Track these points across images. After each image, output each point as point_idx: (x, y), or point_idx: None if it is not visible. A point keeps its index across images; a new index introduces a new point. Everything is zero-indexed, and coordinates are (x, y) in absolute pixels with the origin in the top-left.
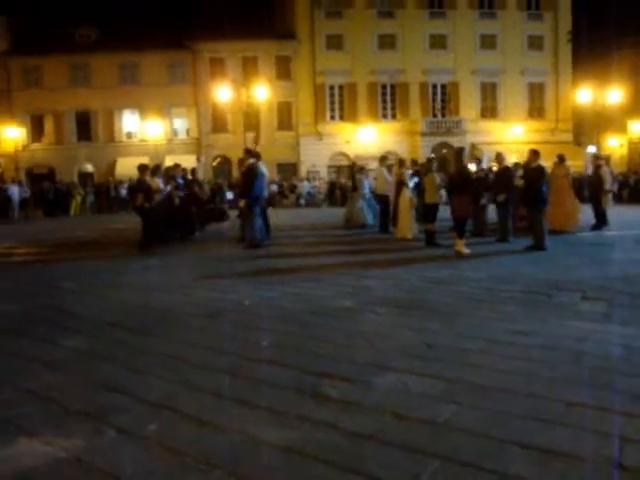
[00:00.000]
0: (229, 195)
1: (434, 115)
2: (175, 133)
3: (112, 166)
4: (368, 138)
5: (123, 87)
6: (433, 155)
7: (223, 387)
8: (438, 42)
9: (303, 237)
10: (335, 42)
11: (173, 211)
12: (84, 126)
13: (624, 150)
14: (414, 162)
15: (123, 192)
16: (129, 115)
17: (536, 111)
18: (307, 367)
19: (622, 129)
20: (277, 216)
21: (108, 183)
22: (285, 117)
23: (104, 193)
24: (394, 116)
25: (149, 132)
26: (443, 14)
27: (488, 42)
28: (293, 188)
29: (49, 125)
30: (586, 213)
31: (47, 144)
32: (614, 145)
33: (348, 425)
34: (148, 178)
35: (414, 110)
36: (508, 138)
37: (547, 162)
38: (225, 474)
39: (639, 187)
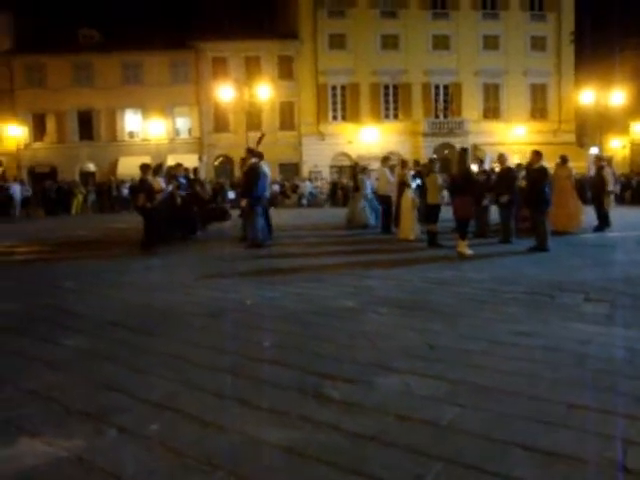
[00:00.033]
0: (231, 195)
1: (436, 116)
2: (177, 132)
3: (114, 165)
4: (370, 138)
5: (126, 87)
6: (435, 156)
7: (225, 387)
8: (441, 43)
9: (305, 237)
10: (338, 42)
11: (175, 210)
12: (86, 125)
13: (626, 151)
14: (416, 163)
15: (125, 191)
16: (131, 114)
17: (538, 112)
18: (309, 367)
19: (625, 130)
20: (279, 216)
21: (110, 182)
22: (287, 117)
23: (106, 192)
24: (396, 116)
25: (151, 131)
26: (446, 15)
27: (491, 43)
28: (295, 188)
29: (51, 124)
30: (588, 214)
31: (49, 143)
32: (616, 146)
33: (350, 426)
34: (150, 178)
35: (416, 111)
36: (510, 139)
37: (549, 163)
38: (226, 474)
39: None
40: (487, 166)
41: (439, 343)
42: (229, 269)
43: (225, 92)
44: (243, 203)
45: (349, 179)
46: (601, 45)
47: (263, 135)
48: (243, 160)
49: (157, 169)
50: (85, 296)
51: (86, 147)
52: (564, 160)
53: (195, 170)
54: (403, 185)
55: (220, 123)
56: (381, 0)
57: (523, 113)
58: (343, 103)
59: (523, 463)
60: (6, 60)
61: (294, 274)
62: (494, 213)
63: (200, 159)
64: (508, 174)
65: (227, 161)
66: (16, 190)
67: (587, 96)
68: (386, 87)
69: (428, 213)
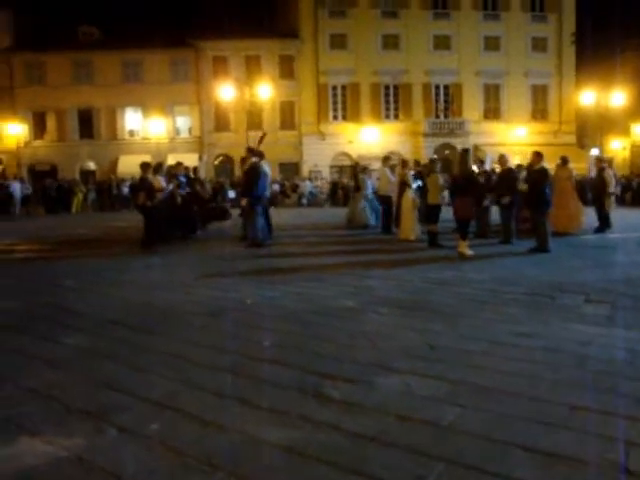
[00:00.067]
0: (231, 194)
1: (437, 116)
2: (177, 131)
3: (114, 164)
4: (370, 138)
5: (126, 85)
6: (435, 156)
7: (225, 386)
8: (442, 43)
9: (305, 237)
10: (339, 42)
11: (175, 209)
12: (86, 124)
13: (627, 153)
14: (417, 163)
15: (125, 190)
16: (132, 113)
17: (539, 113)
18: (309, 367)
19: (625, 132)
20: (279, 215)
21: (110, 181)
22: (288, 116)
23: (106, 191)
24: (397, 117)
25: (151, 130)
26: (447, 15)
27: (492, 43)
28: (295, 188)
29: (51, 122)
30: (589, 215)
31: (49, 141)
32: (617, 148)
33: (351, 426)
34: (150, 176)
35: (417, 111)
36: (511, 140)
37: (550, 164)
38: (227, 474)
39: None
40: (488, 167)
41: (440, 343)
42: (229, 268)
43: (225, 91)
44: (243, 202)
45: (349, 179)
46: (602, 46)
47: (264, 134)
48: (243, 159)
49: (157, 168)
50: (85, 294)
51: (86, 145)
52: (565, 161)
53: (195, 169)
54: (404, 185)
55: (220, 122)
56: (382, 0)
57: (524, 114)
58: (344, 103)
59: (524, 464)
60: (6, 58)
61: (294, 274)
62: (494, 214)
63: (200, 158)
64: (509, 175)
65: (227, 160)
66: (16, 188)
67: (588, 97)
68: (387, 87)
69: (429, 213)
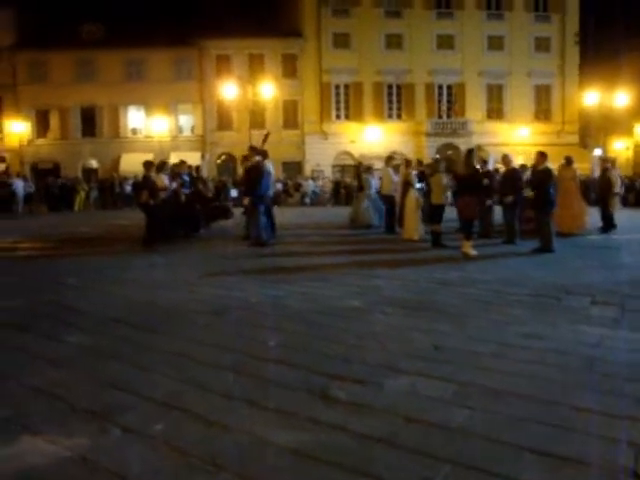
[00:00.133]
0: (233, 193)
1: (440, 116)
2: (180, 130)
3: (117, 162)
4: (373, 138)
5: (129, 83)
6: (438, 156)
7: (229, 386)
8: (445, 43)
9: (308, 236)
10: (342, 41)
11: (178, 208)
12: (89, 122)
13: (630, 153)
14: (419, 162)
15: (127, 188)
16: (134, 111)
17: (542, 113)
18: (315, 367)
19: (628, 132)
20: (282, 215)
21: (112, 179)
22: (291, 115)
23: (108, 189)
24: (399, 116)
25: (154, 128)
26: (450, 14)
27: (495, 43)
28: (298, 187)
29: (54, 120)
30: (593, 216)
31: (52, 139)
32: (620, 148)
33: (358, 427)
34: (153, 174)
35: (420, 111)
36: (514, 140)
37: (553, 164)
38: (232, 475)
39: None
40: (490, 167)
41: (447, 345)
42: (233, 267)
43: (228, 90)
44: (246, 201)
45: (352, 178)
46: (605, 46)
47: (268, 134)
48: (244, 157)
49: (161, 166)
50: (88, 293)
51: (89, 143)
52: (569, 161)
53: (197, 168)
54: (407, 185)
55: (223, 121)
56: None
57: (527, 114)
58: (346, 102)
59: (532, 467)
60: (9, 56)
61: (298, 273)
62: (498, 214)
63: (203, 157)
64: (513, 175)
65: (230, 159)
66: (19, 186)
67: (591, 97)
68: (390, 87)
69: (432, 213)
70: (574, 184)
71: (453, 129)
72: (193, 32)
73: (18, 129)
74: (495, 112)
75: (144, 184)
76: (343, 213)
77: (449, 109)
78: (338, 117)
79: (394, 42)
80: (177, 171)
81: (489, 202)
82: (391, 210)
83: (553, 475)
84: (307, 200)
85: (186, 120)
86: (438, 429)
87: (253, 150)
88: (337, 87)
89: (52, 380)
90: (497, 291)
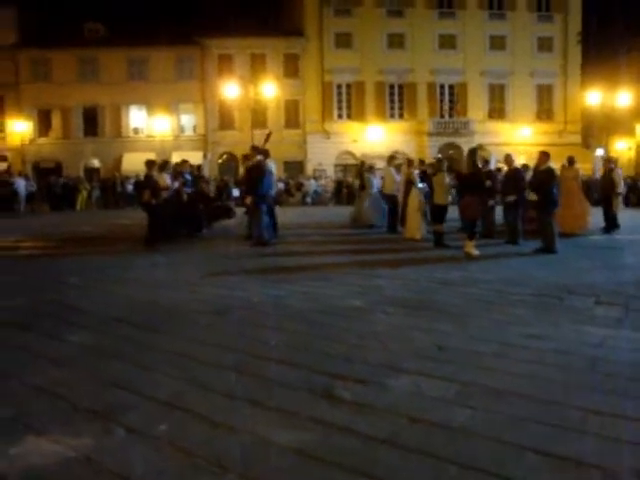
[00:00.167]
0: (235, 192)
1: (442, 115)
2: (182, 129)
3: (118, 161)
4: (375, 137)
5: (131, 83)
6: (440, 155)
7: (232, 386)
8: (447, 42)
9: (310, 235)
10: (344, 40)
11: (181, 207)
12: (91, 121)
13: (632, 153)
14: (421, 162)
15: (129, 188)
16: (136, 111)
17: (544, 113)
18: (318, 367)
19: (631, 132)
20: (284, 214)
21: (114, 178)
22: (292, 115)
23: (110, 188)
24: (401, 116)
25: (156, 128)
26: (452, 14)
27: (497, 43)
28: (300, 186)
29: (56, 119)
30: (595, 216)
31: (54, 138)
32: (622, 148)
33: (361, 428)
34: (155, 174)
35: (422, 110)
36: (516, 140)
37: (555, 164)
38: (236, 476)
39: None
40: (492, 166)
41: (449, 344)
42: (235, 267)
43: (230, 89)
44: (248, 201)
45: (354, 178)
46: (608, 46)
47: (270, 133)
48: (245, 157)
49: (163, 165)
50: (90, 292)
51: (91, 143)
52: (571, 161)
53: (199, 167)
54: (410, 184)
55: (225, 120)
56: None
57: (529, 114)
58: (348, 102)
59: (535, 467)
60: (11, 54)
61: (300, 272)
62: (498, 214)
63: (205, 156)
64: (515, 175)
65: (232, 159)
66: (21, 185)
67: (593, 97)
68: (392, 86)
69: (434, 213)
70: (576, 184)
71: (455, 129)
72: (195, 31)
73: (20, 128)
74: (497, 112)
75: (146, 183)
76: (345, 213)
77: (451, 109)
78: (340, 117)
79: (396, 42)
80: (179, 170)
81: (491, 202)
82: (393, 210)
83: (557, 476)
84: (308, 200)
85: (188, 119)
86: (441, 429)
87: (255, 149)
88: (339, 86)
89: (54, 379)
90: (499, 291)
